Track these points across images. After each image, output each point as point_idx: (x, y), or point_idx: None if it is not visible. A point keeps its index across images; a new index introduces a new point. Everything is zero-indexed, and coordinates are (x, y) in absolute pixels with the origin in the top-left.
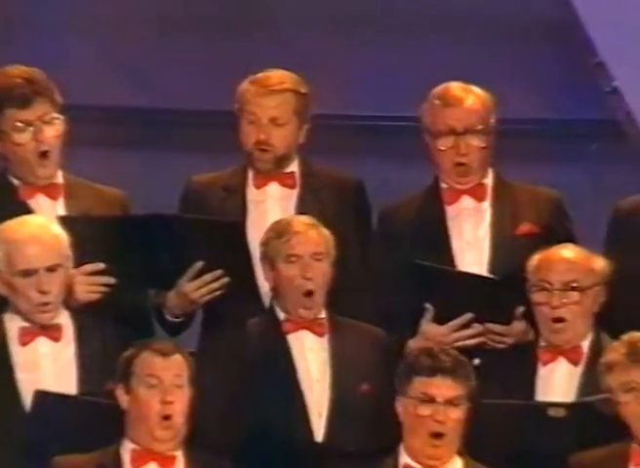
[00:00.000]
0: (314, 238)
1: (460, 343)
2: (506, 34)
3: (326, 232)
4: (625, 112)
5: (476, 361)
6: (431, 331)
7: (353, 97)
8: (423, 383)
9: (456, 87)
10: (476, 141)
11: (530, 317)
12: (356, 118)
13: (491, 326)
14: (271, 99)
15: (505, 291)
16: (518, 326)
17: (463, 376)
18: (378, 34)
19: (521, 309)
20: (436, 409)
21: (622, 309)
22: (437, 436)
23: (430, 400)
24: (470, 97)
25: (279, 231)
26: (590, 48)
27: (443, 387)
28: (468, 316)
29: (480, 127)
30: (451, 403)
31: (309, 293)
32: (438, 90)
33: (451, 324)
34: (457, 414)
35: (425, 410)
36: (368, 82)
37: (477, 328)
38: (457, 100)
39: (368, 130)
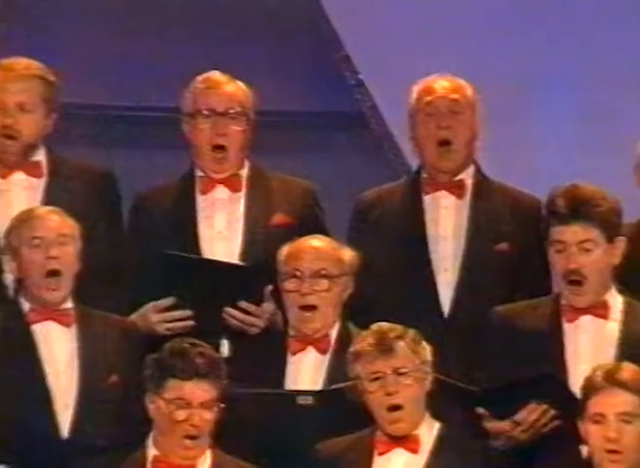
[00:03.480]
0: (58, 221)
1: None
2: (255, 27)
3: (71, 220)
4: (370, 105)
5: (224, 342)
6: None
7: (102, 88)
8: (178, 387)
9: (218, 74)
10: (235, 125)
11: (281, 307)
12: (105, 108)
13: (243, 304)
14: (18, 84)
15: (255, 276)
16: (268, 306)
17: (218, 378)
18: (129, 25)
19: (269, 288)
20: (191, 413)
21: (363, 300)
22: (191, 438)
23: (186, 404)
24: (232, 83)
25: (21, 219)
26: (336, 41)
27: (198, 391)
28: (187, 313)
29: (240, 110)
30: (205, 405)
31: (54, 273)
32: (200, 76)
33: (158, 303)
34: (210, 416)
35: (180, 415)
36: (119, 72)
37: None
38: (219, 84)
39: (117, 120)
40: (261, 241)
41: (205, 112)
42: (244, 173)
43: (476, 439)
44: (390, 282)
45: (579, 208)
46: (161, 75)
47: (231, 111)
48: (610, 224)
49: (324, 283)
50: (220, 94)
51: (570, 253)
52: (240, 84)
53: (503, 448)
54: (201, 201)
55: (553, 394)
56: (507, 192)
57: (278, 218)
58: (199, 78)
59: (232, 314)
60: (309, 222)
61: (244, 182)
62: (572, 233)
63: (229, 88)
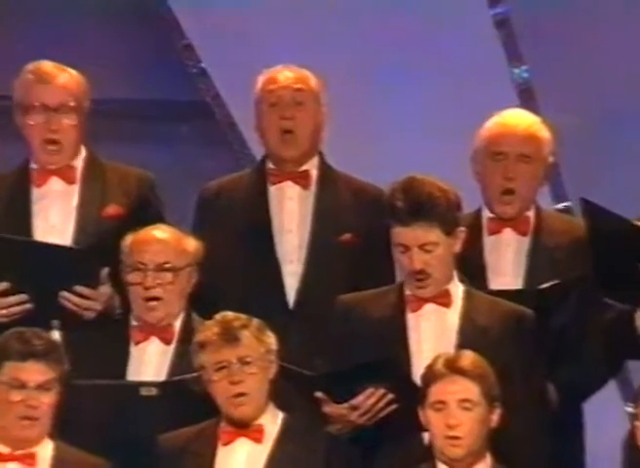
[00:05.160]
0: None
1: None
2: (96, 13)
3: None
4: (214, 94)
5: (55, 323)
6: None
7: None
8: (15, 368)
9: (49, 64)
10: (68, 119)
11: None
12: None
13: (78, 288)
14: None
15: (90, 259)
16: (104, 289)
17: (56, 360)
18: None
19: (106, 271)
20: (28, 395)
21: (211, 290)
22: (28, 419)
23: (22, 385)
24: (64, 74)
25: None
26: (178, 30)
27: (34, 372)
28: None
29: (73, 104)
30: (43, 387)
31: None
32: (31, 65)
33: None
34: (49, 399)
35: (17, 396)
36: None
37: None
38: (50, 77)
39: None
40: (94, 233)
41: (37, 107)
42: (79, 163)
43: (321, 429)
44: (236, 272)
45: (417, 209)
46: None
47: (64, 106)
48: (450, 220)
49: (168, 276)
50: (53, 88)
51: (413, 254)
52: (73, 73)
53: (346, 436)
54: (36, 194)
55: (391, 378)
56: (351, 182)
57: (112, 209)
58: (29, 68)
59: (67, 298)
60: (146, 213)
61: (79, 174)
62: (413, 236)
63: (61, 80)
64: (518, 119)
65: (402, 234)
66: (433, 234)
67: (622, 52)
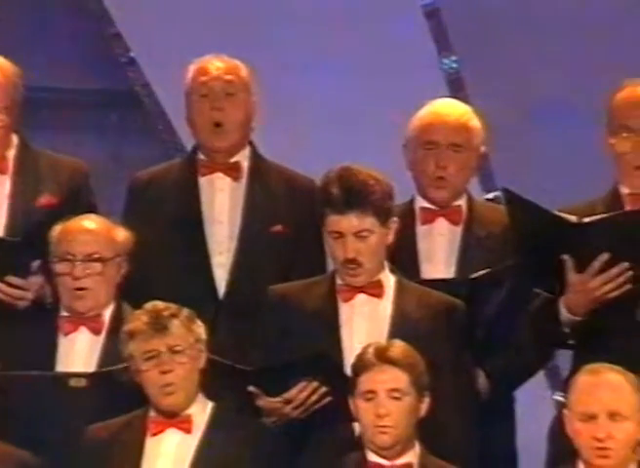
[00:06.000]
0: None
1: None
2: (26, 1)
3: None
4: (143, 83)
5: None
6: None
7: None
8: None
9: None
10: None
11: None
12: None
13: (9, 278)
14: None
15: (22, 250)
16: (36, 279)
17: None
18: None
19: (37, 263)
20: None
21: (141, 280)
22: None
23: None
24: None
25: None
26: (106, 18)
27: None
28: None
29: (3, 105)
30: None
31: None
32: None
33: None
34: None
35: None
36: None
37: None
38: None
39: None
40: (26, 222)
41: None
42: (11, 153)
43: (251, 419)
44: (166, 263)
45: (353, 197)
46: None
47: None
48: (384, 209)
49: (96, 266)
50: None
51: (346, 242)
52: (4, 68)
53: (277, 427)
54: None
55: (324, 372)
56: (282, 173)
57: (45, 199)
58: None
59: None
60: (78, 203)
61: (11, 163)
62: (347, 223)
63: None
64: (450, 108)
65: (337, 222)
66: (368, 222)
67: (553, 42)
